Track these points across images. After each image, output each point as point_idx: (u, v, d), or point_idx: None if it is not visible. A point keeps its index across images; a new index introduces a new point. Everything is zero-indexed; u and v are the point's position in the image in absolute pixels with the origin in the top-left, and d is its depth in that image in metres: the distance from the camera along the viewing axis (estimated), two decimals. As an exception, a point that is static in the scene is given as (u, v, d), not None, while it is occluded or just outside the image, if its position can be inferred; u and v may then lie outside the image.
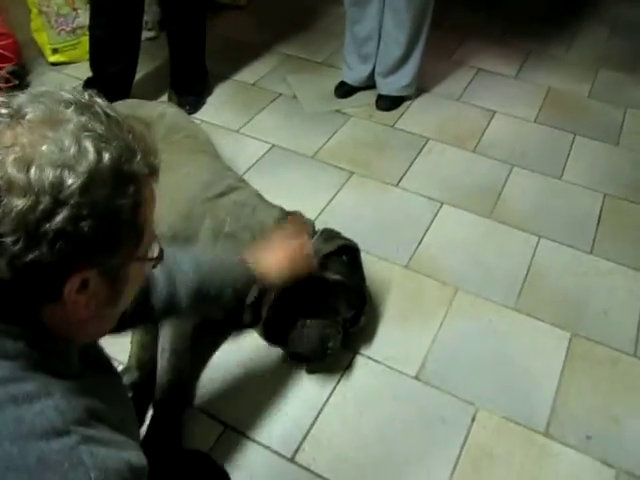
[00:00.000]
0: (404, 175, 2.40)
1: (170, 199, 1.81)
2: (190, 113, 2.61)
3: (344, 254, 1.75)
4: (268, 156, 2.46)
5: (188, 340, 1.65)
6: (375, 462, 1.54)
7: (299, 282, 1.59)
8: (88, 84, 2.62)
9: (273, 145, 2.52)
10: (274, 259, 1.41)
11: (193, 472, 1.09)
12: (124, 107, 2.17)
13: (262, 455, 1.53)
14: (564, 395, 1.71)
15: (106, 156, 0.68)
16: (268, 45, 3.23)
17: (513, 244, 2.14)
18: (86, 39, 2.81)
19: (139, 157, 0.73)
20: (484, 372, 1.75)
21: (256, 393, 1.67)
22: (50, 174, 0.65)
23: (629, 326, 1.90)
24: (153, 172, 0.77)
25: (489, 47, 3.28)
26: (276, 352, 1.76)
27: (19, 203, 0.64)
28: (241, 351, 1.77)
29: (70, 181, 0.65)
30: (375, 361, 1.76)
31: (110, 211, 0.70)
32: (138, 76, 2.71)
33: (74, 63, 2.99)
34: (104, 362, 0.95)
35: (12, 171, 0.64)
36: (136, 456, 0.76)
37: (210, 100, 2.80)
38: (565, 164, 2.51)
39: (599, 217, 2.27)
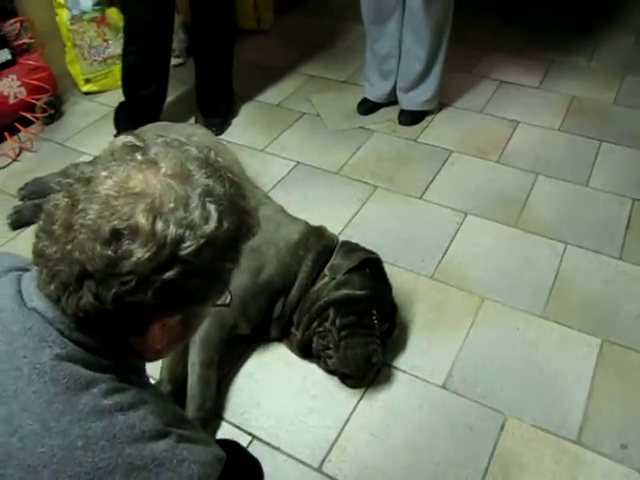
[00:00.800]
0: (427, 187, 2.42)
1: None
2: (217, 134, 2.67)
3: (367, 267, 1.76)
4: (293, 173, 2.50)
5: (217, 353, 1.68)
6: (403, 472, 1.53)
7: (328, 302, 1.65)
8: (121, 108, 2.72)
9: (298, 162, 2.56)
10: None
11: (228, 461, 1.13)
12: (154, 129, 2.25)
13: (289, 465, 1.54)
14: (596, 402, 1.68)
15: (225, 224, 0.74)
16: (291, 67, 3.30)
17: (539, 252, 2.13)
18: (116, 68, 2.93)
19: (248, 228, 0.80)
20: (512, 380, 1.73)
21: (283, 404, 1.68)
22: (174, 231, 0.70)
23: (662, 331, 1.87)
24: (251, 235, 0.82)
25: (511, 59, 3.28)
26: (303, 364, 1.78)
27: (140, 251, 0.69)
28: (268, 362, 1.79)
29: (189, 242, 0.70)
30: (402, 371, 1.76)
31: (215, 272, 0.76)
32: (167, 100, 2.79)
33: (105, 92, 3.10)
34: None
35: (140, 220, 0.69)
36: (219, 449, 0.84)
37: (235, 121, 2.87)
38: (591, 171, 2.49)
39: (628, 222, 2.24)
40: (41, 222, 0.75)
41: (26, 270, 0.83)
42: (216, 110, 2.82)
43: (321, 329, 1.70)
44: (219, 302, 0.86)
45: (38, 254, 0.75)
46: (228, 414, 1.65)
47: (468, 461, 1.55)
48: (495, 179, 2.46)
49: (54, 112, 2.90)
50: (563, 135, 2.72)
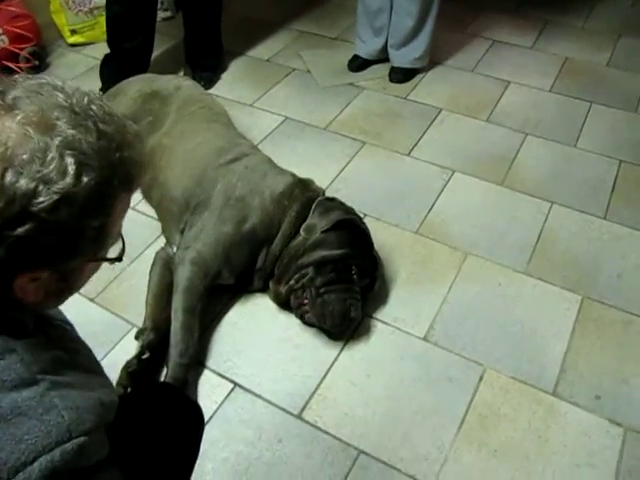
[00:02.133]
0: (416, 144, 2.41)
1: (184, 165, 1.86)
2: (206, 88, 2.63)
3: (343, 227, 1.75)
4: (281, 128, 2.48)
5: (199, 301, 1.69)
6: (381, 419, 1.56)
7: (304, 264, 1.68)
8: (106, 60, 2.67)
9: (286, 117, 2.54)
10: None
11: (164, 404, 1.12)
12: (140, 81, 2.22)
13: (270, 412, 1.56)
14: (574, 356, 1.71)
15: (84, 180, 0.68)
16: (282, 22, 3.24)
17: (525, 210, 2.13)
18: (103, 19, 2.86)
19: (119, 178, 0.72)
20: (493, 334, 1.75)
21: (265, 353, 1.70)
22: (24, 184, 0.64)
23: (642, 289, 1.89)
24: (132, 187, 0.77)
25: (505, 19, 3.25)
26: (286, 315, 1.79)
27: None
28: (251, 312, 1.80)
29: (42, 198, 0.65)
30: (384, 323, 1.78)
31: (74, 229, 0.70)
32: (155, 54, 2.74)
33: (92, 43, 3.05)
34: (56, 316, 0.96)
35: None
36: (105, 393, 0.80)
37: (225, 76, 2.83)
38: (580, 132, 2.49)
39: (614, 183, 2.25)
40: None
41: None
42: (205, 64, 2.77)
43: (299, 286, 1.71)
44: (110, 256, 0.81)
45: None
46: (210, 362, 1.67)
47: (446, 410, 1.58)
48: (484, 138, 2.45)
49: (39, 63, 2.85)
50: (554, 96, 2.70)
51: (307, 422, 1.54)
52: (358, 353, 1.71)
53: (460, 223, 2.07)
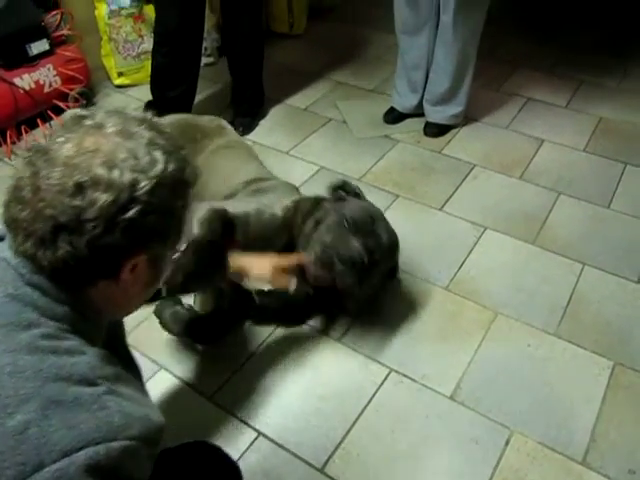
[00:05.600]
0: (448, 199, 2.43)
1: (223, 183, 1.99)
2: (244, 134, 2.72)
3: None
4: (316, 177, 2.53)
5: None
6: (405, 479, 1.54)
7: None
8: (148, 107, 2.76)
9: (321, 167, 2.58)
10: (260, 263, 1.63)
11: (201, 463, 1.16)
12: (181, 119, 2.29)
13: (292, 464, 1.55)
14: (605, 425, 1.67)
15: (170, 166, 0.85)
16: (321, 72, 3.33)
17: (556, 270, 2.12)
18: (149, 63, 2.97)
19: (189, 170, 0.91)
20: (521, 396, 1.73)
21: (291, 402, 1.70)
22: (128, 176, 0.81)
23: (676, 358, 1.85)
24: (195, 180, 0.94)
25: (540, 77, 3.29)
26: (312, 364, 1.80)
27: (103, 197, 0.79)
28: (276, 360, 1.81)
29: (143, 183, 0.82)
30: (411, 379, 1.77)
31: (169, 209, 0.87)
32: (196, 99, 2.83)
33: (137, 85, 3.16)
34: (129, 365, 1.08)
35: (99, 171, 0.80)
36: (154, 413, 0.88)
37: (263, 122, 2.91)
38: (614, 193, 2.48)
39: (648, 247, 2.23)
40: (9, 194, 0.84)
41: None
42: (246, 110, 2.85)
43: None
44: (177, 247, 0.96)
45: (11, 220, 0.83)
46: (235, 409, 1.68)
47: (471, 473, 1.56)
48: (516, 195, 2.46)
49: (86, 102, 2.96)
50: (588, 156, 2.71)
51: (330, 477, 1.53)
52: (384, 408, 1.70)
53: (490, 281, 2.07)
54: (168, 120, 2.21)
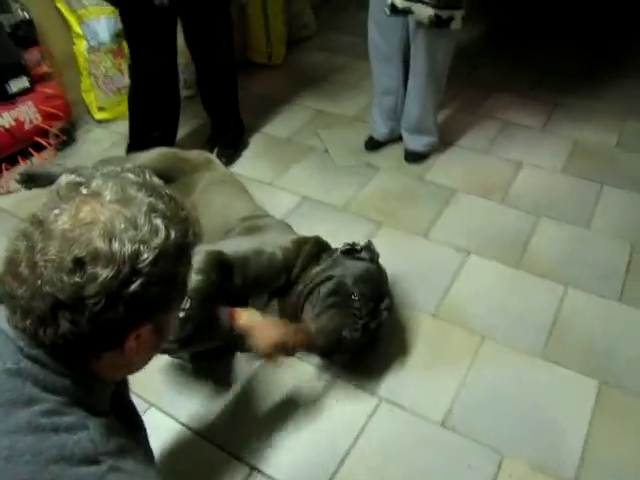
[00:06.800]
0: (432, 225, 2.46)
1: (217, 220, 1.98)
2: (226, 165, 2.72)
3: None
4: (299, 208, 2.55)
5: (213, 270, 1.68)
6: (400, 509, 1.55)
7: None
8: (131, 149, 2.74)
9: (304, 197, 2.61)
10: (267, 332, 1.58)
11: None
12: (169, 152, 2.29)
13: (288, 499, 1.56)
14: (593, 445, 1.70)
15: (172, 233, 0.82)
16: (301, 101, 3.37)
17: (540, 293, 2.16)
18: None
19: (192, 231, 0.88)
20: (510, 420, 1.75)
21: (283, 436, 1.70)
22: (129, 248, 0.78)
23: (660, 375, 1.89)
24: (201, 239, 0.92)
25: (516, 100, 3.35)
26: (305, 397, 1.80)
27: (103, 272, 0.76)
28: (266, 394, 1.81)
29: (145, 255, 0.79)
30: (401, 407, 1.78)
31: (173, 277, 0.85)
32: (178, 135, 2.85)
33: (118, 120, 3.16)
34: (132, 418, 1.08)
35: (98, 244, 0.76)
36: None
37: (245, 153, 2.93)
38: (593, 214, 2.54)
39: (628, 266, 2.27)
40: (4, 267, 0.81)
41: None
42: (226, 141, 2.88)
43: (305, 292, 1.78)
44: (181, 307, 0.96)
45: (8, 295, 0.81)
46: (227, 445, 1.67)
47: (465, 500, 1.57)
48: (498, 220, 2.50)
49: (66, 138, 2.97)
50: (566, 177, 2.77)
51: (325, 510, 1.54)
52: (376, 438, 1.71)
53: (476, 306, 2.10)
54: (155, 153, 2.21)
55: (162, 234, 0.81)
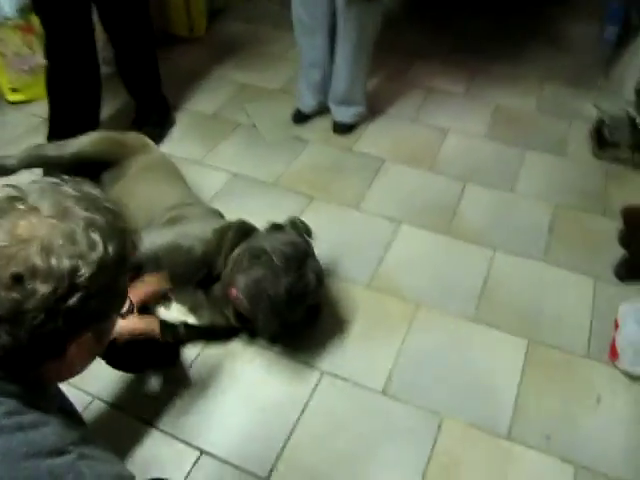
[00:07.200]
0: (363, 197, 2.49)
1: (143, 209, 1.92)
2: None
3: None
4: (230, 185, 2.53)
5: None
6: (348, 477, 1.60)
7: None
8: (52, 135, 2.60)
9: (235, 174, 2.58)
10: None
11: None
12: (106, 136, 2.21)
13: (238, 477, 1.58)
14: (524, 399, 1.80)
15: (110, 248, 0.84)
16: (225, 75, 3.31)
17: (470, 258, 2.24)
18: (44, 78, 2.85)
19: (130, 240, 0.90)
20: (448, 382, 1.83)
21: (230, 417, 1.72)
22: (67, 263, 0.79)
23: (582, 328, 2.01)
24: (136, 247, 0.94)
25: (438, 67, 3.42)
26: (248, 378, 1.82)
27: (42, 288, 0.77)
28: (210, 375, 1.82)
29: (83, 270, 0.80)
30: (342, 379, 1.82)
31: (111, 288, 0.87)
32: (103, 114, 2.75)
33: (34, 101, 3.01)
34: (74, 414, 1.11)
35: (36, 260, 0.77)
36: (124, 469, 0.91)
37: (172, 132, 2.85)
38: (517, 177, 2.63)
39: (551, 226, 2.39)
40: None
41: None
42: (153, 121, 2.80)
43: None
44: (123, 311, 0.99)
45: None
46: (174, 429, 1.67)
47: (409, 462, 1.63)
48: (427, 187, 2.56)
49: (-20, 125, 2.81)
50: (490, 142, 2.86)
51: (275, 486, 1.57)
52: (320, 410, 1.74)
53: (410, 274, 2.16)
54: (92, 138, 2.13)
55: (100, 249, 0.82)
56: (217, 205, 2.29)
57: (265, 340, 1.90)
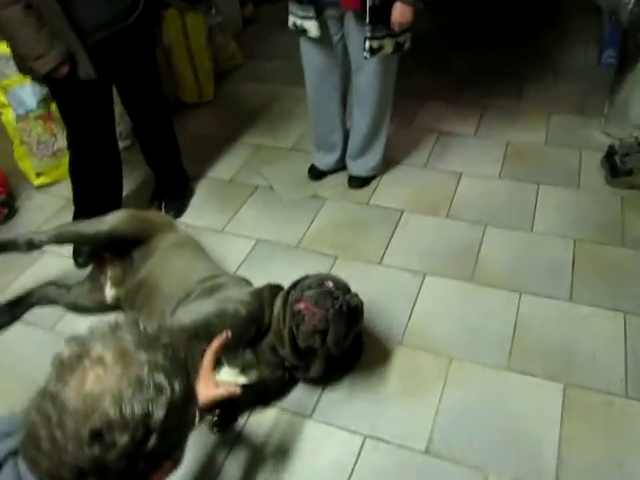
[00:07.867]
0: (385, 251, 2.53)
1: (179, 283, 2.04)
2: (175, 217, 2.73)
3: None
4: (254, 252, 2.58)
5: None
6: None
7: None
8: (77, 214, 2.70)
9: (258, 240, 2.64)
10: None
11: None
12: (130, 214, 2.27)
13: None
14: (567, 447, 1.79)
15: (176, 386, 0.88)
16: (237, 137, 3.39)
17: (497, 304, 2.26)
18: (66, 159, 2.93)
19: (191, 367, 0.94)
20: (488, 436, 1.84)
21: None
22: (140, 410, 0.83)
23: (617, 366, 2.01)
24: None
25: (446, 108, 3.47)
26: (290, 447, 1.84)
27: (121, 439, 0.82)
28: (256, 450, 1.84)
29: (156, 413, 0.84)
30: (385, 441, 1.84)
31: (185, 422, 0.92)
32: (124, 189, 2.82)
33: (58, 183, 3.12)
34: None
35: (110, 413, 0.81)
36: None
37: (191, 202, 2.92)
38: (534, 215, 2.66)
39: (573, 263, 2.40)
40: (24, 440, 0.86)
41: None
42: (172, 193, 2.87)
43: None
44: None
45: (32, 462, 0.86)
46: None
47: (458, 524, 1.64)
48: (447, 235, 2.59)
49: (7, 211, 2.91)
50: (504, 182, 2.89)
51: None
52: (367, 475, 1.76)
53: (439, 327, 2.18)
54: (119, 217, 2.21)
55: (167, 390, 0.86)
56: (243, 273, 2.36)
57: (314, 376, 1.94)
